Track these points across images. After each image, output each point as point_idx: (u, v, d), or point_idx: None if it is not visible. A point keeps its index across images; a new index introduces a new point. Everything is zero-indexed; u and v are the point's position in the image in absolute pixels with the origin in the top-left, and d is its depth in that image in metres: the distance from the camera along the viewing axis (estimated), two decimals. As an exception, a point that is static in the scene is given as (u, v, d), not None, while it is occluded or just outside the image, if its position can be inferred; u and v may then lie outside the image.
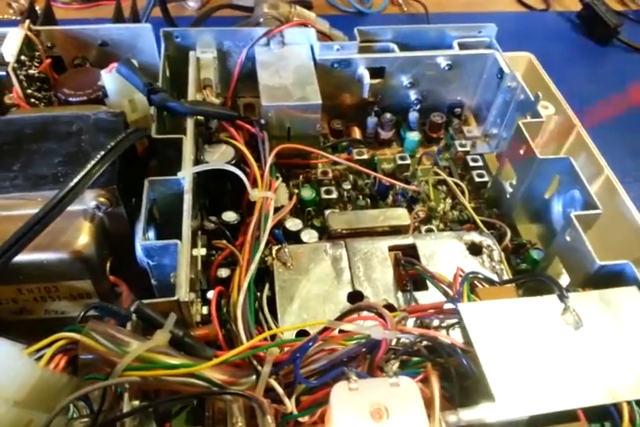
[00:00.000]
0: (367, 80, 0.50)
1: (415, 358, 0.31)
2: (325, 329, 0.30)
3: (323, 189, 0.47)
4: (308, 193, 0.46)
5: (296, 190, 0.47)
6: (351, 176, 0.49)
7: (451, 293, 0.36)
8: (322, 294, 0.39)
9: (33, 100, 0.44)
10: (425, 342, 0.32)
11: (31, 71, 0.44)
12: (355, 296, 0.38)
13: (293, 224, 0.43)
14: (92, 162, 0.34)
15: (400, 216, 0.43)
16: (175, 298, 0.32)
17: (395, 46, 0.51)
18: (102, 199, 0.35)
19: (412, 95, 0.53)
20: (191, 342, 0.30)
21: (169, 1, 0.74)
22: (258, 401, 0.27)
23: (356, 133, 0.54)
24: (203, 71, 0.48)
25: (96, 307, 0.33)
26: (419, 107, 0.54)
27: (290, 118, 0.46)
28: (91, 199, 0.35)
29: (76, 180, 0.33)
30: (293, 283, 0.39)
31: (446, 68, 0.51)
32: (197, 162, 0.41)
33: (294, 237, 0.43)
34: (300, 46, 0.50)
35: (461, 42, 0.52)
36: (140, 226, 0.36)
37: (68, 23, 0.81)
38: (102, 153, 0.35)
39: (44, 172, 0.36)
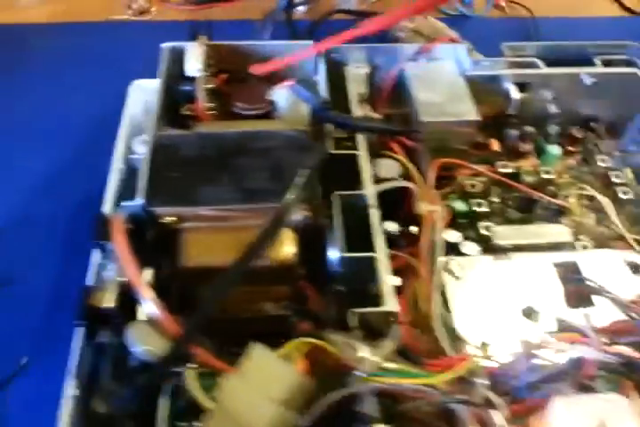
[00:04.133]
0: (515, 95, 0.52)
1: (611, 375, 0.34)
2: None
3: (474, 201, 0.49)
4: (460, 205, 0.48)
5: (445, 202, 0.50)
6: (498, 189, 0.51)
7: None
8: (495, 307, 0.41)
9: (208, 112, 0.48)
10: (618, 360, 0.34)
11: (209, 85, 0.47)
12: (529, 312, 0.41)
13: (453, 236, 0.46)
14: (302, 178, 0.37)
15: (561, 233, 0.45)
16: (387, 309, 0.34)
17: (540, 62, 0.53)
18: (307, 212, 0.38)
19: (552, 109, 0.55)
20: (408, 352, 0.33)
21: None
22: (488, 411, 0.30)
23: (495, 146, 0.55)
24: (358, 86, 0.51)
25: (298, 311, 0.37)
26: (557, 120, 0.55)
27: (445, 133, 0.49)
28: (296, 212, 0.38)
29: (292, 195, 0.36)
30: (466, 296, 0.41)
31: (589, 84, 0.53)
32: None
33: (454, 249, 0.45)
34: (447, 61, 0.53)
35: (605, 59, 0.53)
36: (334, 237, 0.39)
37: (178, 25, 0.85)
38: (307, 170, 0.38)
39: (253, 186, 0.39)
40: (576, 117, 0.56)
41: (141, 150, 0.46)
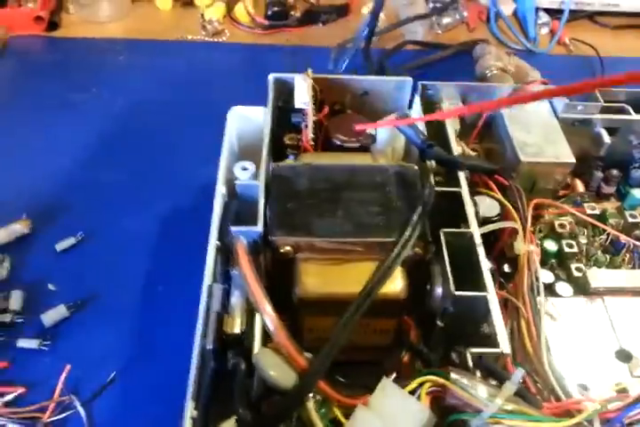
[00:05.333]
0: (607, 139, 0.53)
1: None
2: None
3: (564, 241, 0.50)
4: (551, 245, 0.49)
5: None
6: (585, 230, 0.52)
7: None
8: (590, 349, 0.42)
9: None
10: None
11: (314, 118, 0.49)
12: (623, 355, 0.41)
13: (547, 277, 0.47)
14: (415, 216, 0.39)
15: (654, 278, 0.46)
16: (499, 350, 0.35)
17: (629, 108, 0.54)
18: (417, 249, 0.39)
19: (636, 154, 0.56)
20: (524, 393, 0.34)
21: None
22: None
23: (579, 186, 0.56)
24: (453, 123, 0.52)
25: (411, 349, 0.38)
26: (639, 165, 0.56)
27: (539, 173, 0.50)
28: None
29: (407, 233, 0.38)
30: (563, 337, 0.42)
31: (677, 131, 0.54)
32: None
33: (547, 289, 0.46)
34: (541, 103, 0.54)
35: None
36: (441, 273, 0.40)
37: (250, 48, 0.87)
38: (421, 207, 0.39)
39: (365, 220, 0.40)
40: (659, 163, 0.57)
41: (243, 176, 0.48)
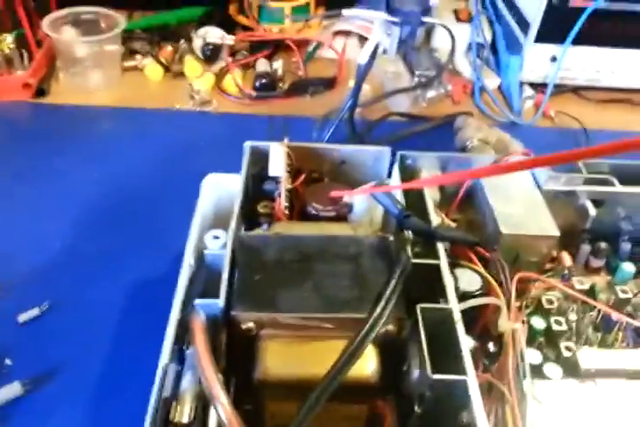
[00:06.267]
0: (592, 212, 0.51)
1: None
2: None
3: (552, 318, 0.47)
4: (539, 323, 0.46)
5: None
6: (574, 306, 0.49)
7: None
8: (582, 438, 0.38)
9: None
10: None
11: (289, 186, 0.48)
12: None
13: (534, 357, 0.43)
14: (388, 291, 0.36)
15: (649, 360, 0.42)
16: (484, 445, 0.32)
17: (615, 180, 0.53)
18: (391, 327, 0.36)
19: (624, 226, 0.54)
20: None
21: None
22: None
23: (566, 260, 0.54)
24: (433, 193, 0.51)
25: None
26: (628, 237, 0.54)
27: (521, 246, 0.48)
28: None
29: (379, 309, 0.35)
30: (548, 422, 0.39)
31: (663, 204, 0.52)
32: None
33: (534, 371, 0.43)
34: (522, 174, 0.53)
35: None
36: (417, 354, 0.37)
37: (236, 117, 0.87)
38: (394, 282, 0.37)
39: (335, 294, 0.37)
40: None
41: (213, 246, 0.46)
